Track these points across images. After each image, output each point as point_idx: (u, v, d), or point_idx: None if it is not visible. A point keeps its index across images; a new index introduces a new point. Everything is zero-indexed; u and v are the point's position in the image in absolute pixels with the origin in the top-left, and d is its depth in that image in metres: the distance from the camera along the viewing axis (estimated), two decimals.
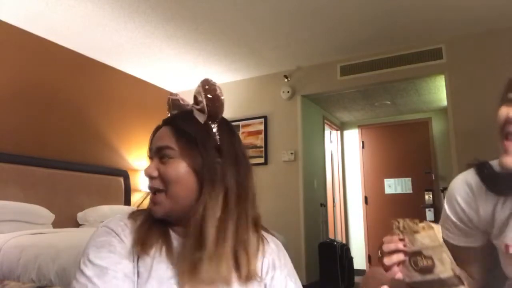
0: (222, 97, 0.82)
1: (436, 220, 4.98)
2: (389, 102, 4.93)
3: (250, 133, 4.46)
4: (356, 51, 3.89)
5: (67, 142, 3.56)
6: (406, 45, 3.74)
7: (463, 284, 0.73)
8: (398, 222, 0.77)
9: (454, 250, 0.87)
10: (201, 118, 0.82)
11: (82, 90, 3.79)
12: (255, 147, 4.40)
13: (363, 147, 5.63)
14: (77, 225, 3.36)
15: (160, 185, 0.79)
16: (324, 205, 4.64)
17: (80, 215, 3.37)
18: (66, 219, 3.30)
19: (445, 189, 3.52)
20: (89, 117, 3.82)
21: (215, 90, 0.81)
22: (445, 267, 0.73)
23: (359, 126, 5.72)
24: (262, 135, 4.38)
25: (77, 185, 3.50)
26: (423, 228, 0.74)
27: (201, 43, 3.67)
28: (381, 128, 5.57)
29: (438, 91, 4.45)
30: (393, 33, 3.52)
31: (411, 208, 5.08)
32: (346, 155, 5.78)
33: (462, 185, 0.91)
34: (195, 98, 0.84)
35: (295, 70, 4.33)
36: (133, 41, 3.60)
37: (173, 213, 0.80)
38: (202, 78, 0.84)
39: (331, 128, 5.56)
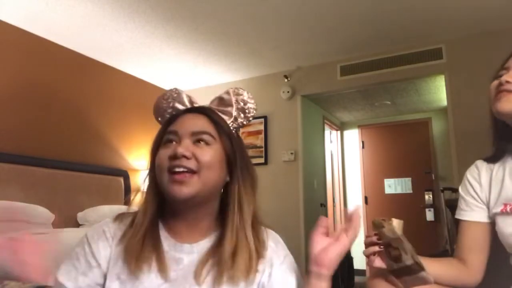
0: (254, 110, 0.92)
1: (436, 219, 4.98)
2: (389, 102, 4.93)
3: (250, 133, 4.45)
4: (356, 51, 3.89)
5: (67, 142, 3.56)
6: (406, 45, 3.73)
7: (423, 269, 0.86)
8: (375, 221, 0.93)
9: (465, 227, 1.06)
10: (226, 118, 0.89)
11: (82, 90, 3.79)
12: (255, 147, 4.40)
13: (363, 147, 5.63)
14: (77, 225, 3.36)
15: (196, 166, 0.78)
16: (324, 205, 4.64)
17: (80, 215, 3.37)
18: (66, 219, 3.30)
19: (445, 189, 3.52)
20: (89, 117, 3.82)
21: (246, 103, 0.90)
22: (407, 255, 0.86)
23: (359, 126, 5.72)
24: (262, 135, 4.38)
25: (77, 185, 3.50)
26: (387, 223, 0.89)
27: (201, 43, 3.67)
28: (381, 128, 5.57)
29: (438, 91, 4.45)
30: (393, 33, 3.52)
31: (411, 208, 5.08)
32: (346, 155, 5.78)
33: (472, 167, 1.11)
34: (221, 99, 0.90)
35: (295, 70, 4.33)
36: (133, 41, 3.60)
37: (198, 197, 0.79)
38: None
39: (331, 128, 5.55)
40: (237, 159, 0.84)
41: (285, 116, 4.31)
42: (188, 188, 0.76)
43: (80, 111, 3.74)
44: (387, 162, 5.38)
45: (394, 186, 5.29)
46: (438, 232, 4.84)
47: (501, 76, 1.00)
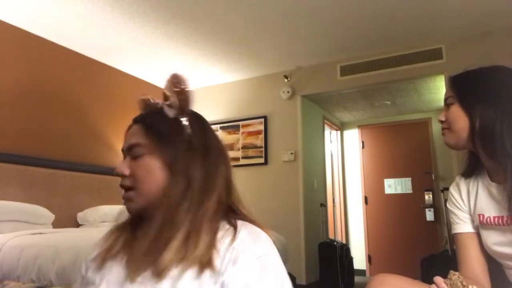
0: (190, 89, 0.81)
1: (436, 219, 4.97)
2: (389, 102, 4.93)
3: (250, 133, 4.45)
4: (356, 51, 3.89)
5: (67, 142, 3.56)
6: (406, 45, 3.73)
7: None
8: (453, 275, 0.85)
9: (465, 240, 1.09)
10: (171, 113, 0.81)
11: (82, 90, 3.79)
12: (255, 147, 4.40)
13: (363, 147, 5.63)
14: (77, 225, 3.36)
15: (130, 183, 0.78)
16: (324, 205, 4.64)
17: (80, 215, 3.37)
18: (66, 219, 3.30)
19: (445, 189, 3.52)
20: (89, 117, 3.82)
21: (182, 82, 0.80)
22: None
23: (359, 126, 5.72)
24: (262, 135, 4.38)
25: (77, 185, 3.50)
26: None
27: (201, 43, 3.67)
28: (381, 128, 5.57)
29: (438, 91, 4.45)
30: (393, 33, 3.52)
31: (411, 208, 5.08)
32: (346, 155, 5.78)
33: (454, 183, 1.18)
34: (164, 94, 0.83)
35: (295, 70, 4.33)
36: (133, 41, 3.60)
37: (151, 208, 0.77)
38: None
39: (331, 128, 5.55)
40: (176, 164, 0.77)
41: (285, 116, 4.31)
42: (134, 204, 0.78)
43: (80, 111, 3.74)
44: (387, 162, 5.38)
45: (394, 186, 5.29)
46: (438, 232, 4.84)
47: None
